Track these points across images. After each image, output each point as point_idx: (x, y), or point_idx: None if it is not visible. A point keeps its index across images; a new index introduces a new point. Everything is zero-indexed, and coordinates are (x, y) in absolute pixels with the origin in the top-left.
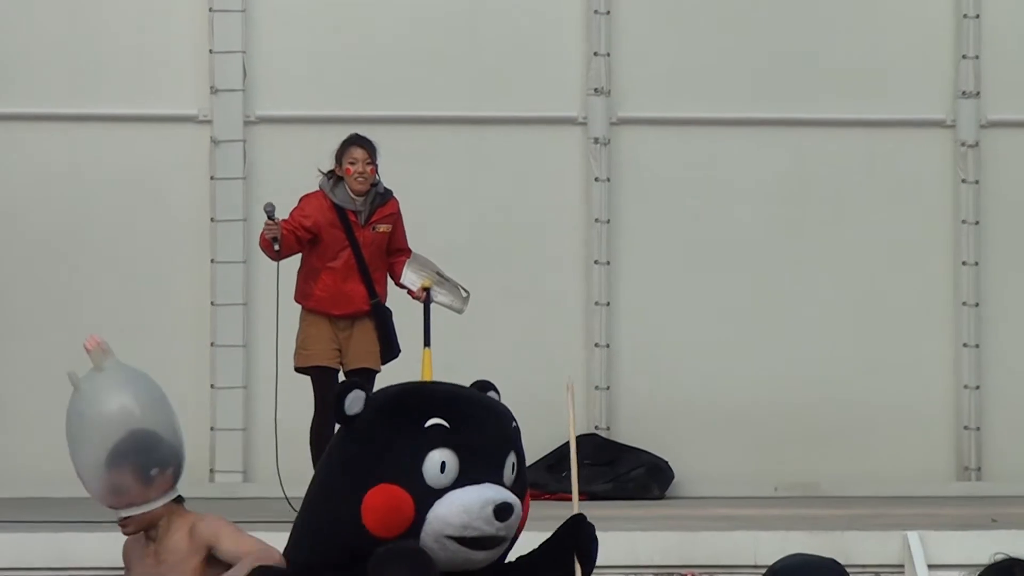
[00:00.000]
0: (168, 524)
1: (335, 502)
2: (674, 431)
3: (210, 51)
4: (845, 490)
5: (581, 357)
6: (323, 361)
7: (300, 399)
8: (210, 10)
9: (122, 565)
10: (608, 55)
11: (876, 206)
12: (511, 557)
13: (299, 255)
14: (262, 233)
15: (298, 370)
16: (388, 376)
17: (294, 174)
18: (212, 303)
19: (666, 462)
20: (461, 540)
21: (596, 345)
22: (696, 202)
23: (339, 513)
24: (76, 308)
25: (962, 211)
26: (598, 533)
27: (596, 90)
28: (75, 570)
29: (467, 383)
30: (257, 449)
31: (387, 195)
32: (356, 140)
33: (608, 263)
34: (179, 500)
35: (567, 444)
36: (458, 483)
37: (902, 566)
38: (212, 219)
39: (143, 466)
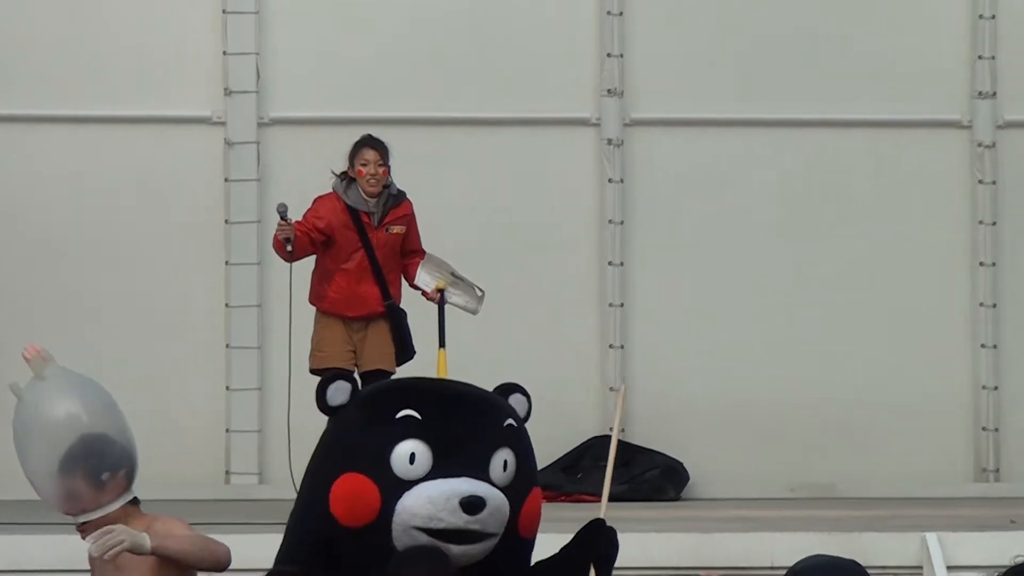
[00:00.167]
0: (126, 525)
1: (311, 491)
2: (689, 432)
3: (224, 53)
4: (861, 491)
5: (595, 358)
6: (338, 363)
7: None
8: (223, 12)
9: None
10: (621, 56)
11: (892, 207)
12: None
13: (313, 257)
14: (275, 234)
15: (313, 372)
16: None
17: (308, 176)
18: (227, 305)
19: (681, 463)
20: (430, 532)
21: (610, 347)
22: (710, 203)
23: (313, 502)
24: (91, 310)
25: (979, 212)
26: None
27: (609, 91)
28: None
29: (483, 384)
30: (272, 451)
31: (400, 196)
32: (368, 141)
33: (622, 264)
34: (135, 502)
35: (582, 445)
36: (431, 476)
37: (920, 567)
38: (226, 221)
39: (94, 470)
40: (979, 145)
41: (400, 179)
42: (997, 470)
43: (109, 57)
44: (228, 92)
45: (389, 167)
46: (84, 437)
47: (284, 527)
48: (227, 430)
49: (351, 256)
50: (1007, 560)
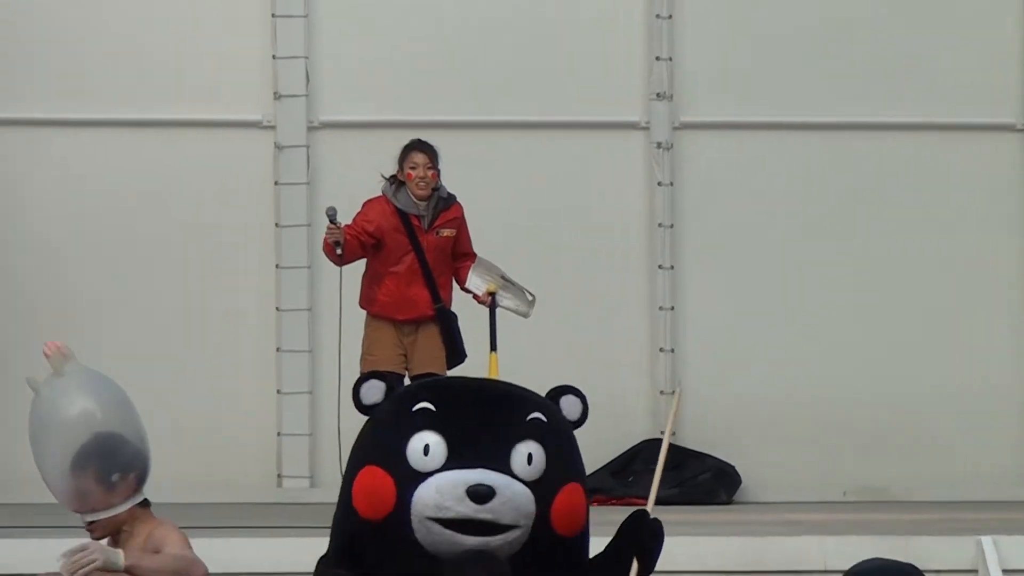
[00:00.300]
0: (132, 529)
1: (343, 489)
2: (740, 436)
3: (273, 57)
4: (915, 495)
5: (645, 362)
6: (389, 366)
7: None
8: (273, 15)
9: None
10: (670, 59)
11: (945, 211)
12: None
13: (363, 260)
14: (325, 238)
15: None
16: None
17: (357, 179)
18: (277, 308)
19: (733, 467)
20: (442, 522)
21: (661, 350)
22: (759, 206)
23: (342, 497)
24: (142, 314)
25: None
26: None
27: (658, 95)
28: None
29: (534, 387)
30: (323, 454)
31: (450, 200)
32: (417, 145)
33: (672, 267)
34: (145, 504)
35: (633, 449)
36: (446, 467)
37: (976, 571)
38: (276, 224)
39: (106, 470)
40: None
41: (449, 183)
42: None
43: (160, 62)
44: (278, 96)
45: (438, 170)
46: (98, 436)
47: None
48: (278, 434)
49: (401, 259)
50: None
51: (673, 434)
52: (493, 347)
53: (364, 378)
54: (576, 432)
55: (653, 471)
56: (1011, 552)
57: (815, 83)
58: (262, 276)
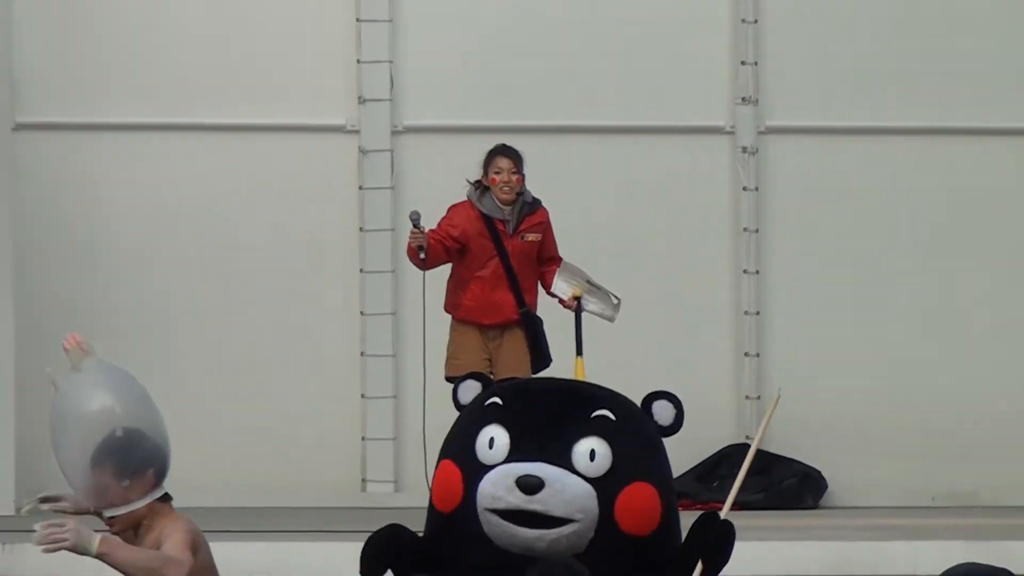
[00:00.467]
0: (151, 523)
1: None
2: (827, 440)
3: (358, 61)
4: (1006, 499)
5: (730, 366)
6: (474, 371)
7: (450, 408)
8: (357, 20)
9: None
10: (756, 64)
11: None
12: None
13: (448, 265)
14: (408, 242)
15: (449, 379)
16: None
17: (441, 183)
18: (361, 313)
19: (819, 471)
20: (498, 513)
21: (746, 355)
22: (845, 210)
23: (429, 493)
24: (227, 318)
25: None
26: (749, 542)
27: (744, 99)
28: None
29: (624, 391)
30: (408, 458)
31: (535, 204)
32: (501, 150)
33: (757, 272)
34: (165, 499)
35: (718, 454)
36: (508, 460)
37: None
38: (361, 229)
39: (124, 466)
40: None
41: (534, 187)
42: None
43: (245, 66)
44: (362, 100)
45: (523, 175)
46: (117, 432)
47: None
48: (362, 438)
49: (486, 264)
50: None
51: (748, 440)
52: (579, 351)
53: (462, 378)
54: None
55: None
56: None
57: (901, 87)
58: (346, 280)
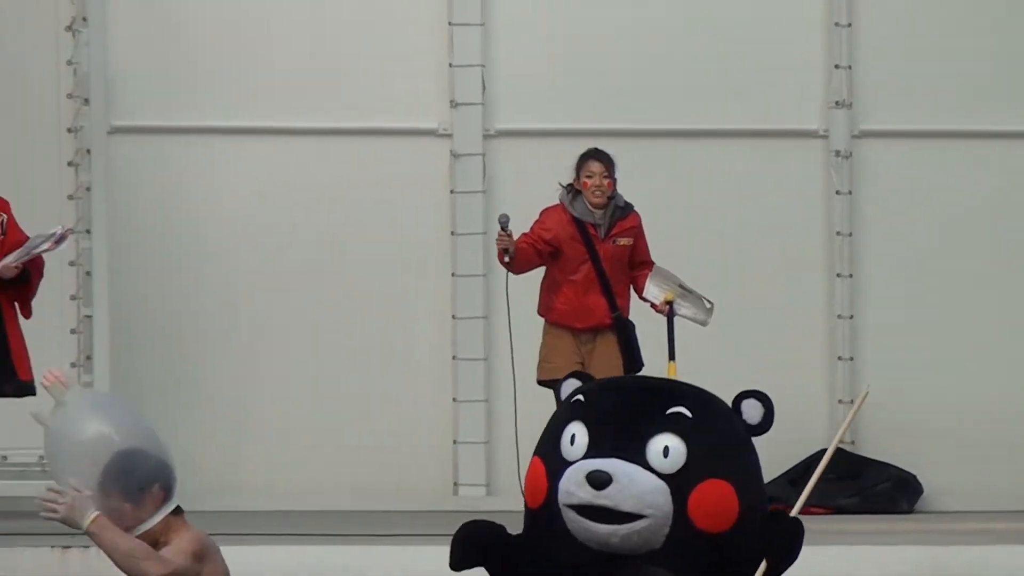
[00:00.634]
0: (165, 539)
1: None
2: (921, 445)
3: (450, 65)
4: None
5: (823, 370)
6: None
7: (542, 412)
8: (450, 24)
9: None
10: (849, 68)
11: None
12: None
13: (541, 268)
14: (496, 244)
15: (541, 383)
16: None
17: (533, 187)
18: (453, 316)
19: (914, 475)
20: (573, 508)
21: (839, 358)
22: (940, 214)
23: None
24: (318, 322)
25: None
26: (843, 546)
27: (837, 103)
28: None
29: (718, 395)
30: (500, 462)
31: (627, 208)
32: (593, 153)
33: (851, 276)
34: (178, 511)
35: (811, 458)
36: (586, 456)
37: None
38: (452, 232)
39: (130, 487)
40: None
41: (626, 191)
42: None
43: (336, 70)
44: (454, 104)
45: (615, 179)
46: (117, 455)
47: None
48: (454, 442)
49: (578, 268)
50: None
51: (852, 442)
52: (671, 356)
53: (565, 377)
54: (753, 439)
55: (830, 480)
56: None
57: (996, 90)
58: (438, 284)
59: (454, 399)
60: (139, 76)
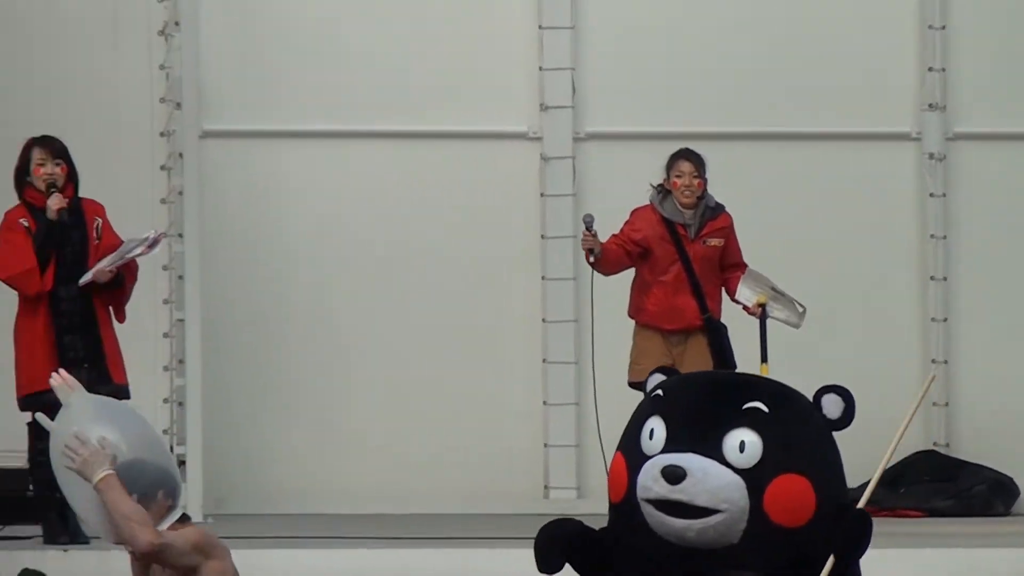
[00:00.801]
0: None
1: None
2: (1017, 447)
3: (540, 68)
4: None
5: (917, 373)
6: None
7: (628, 413)
8: (540, 27)
9: None
10: (943, 70)
11: None
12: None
13: (631, 270)
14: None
15: (631, 385)
16: None
17: (622, 190)
18: (543, 320)
19: (1010, 478)
20: (651, 503)
21: (933, 361)
22: None
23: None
24: (408, 325)
25: None
26: (939, 549)
27: (931, 105)
28: None
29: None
30: (590, 465)
31: (718, 209)
32: (683, 153)
33: (945, 279)
34: (184, 519)
35: (905, 460)
36: (663, 451)
37: None
38: (542, 236)
39: (133, 495)
40: None
41: (717, 193)
42: None
43: (427, 73)
44: (544, 107)
45: (705, 180)
46: (121, 466)
47: None
48: (545, 445)
49: (668, 269)
50: None
51: (946, 445)
52: (764, 358)
53: (652, 372)
54: (845, 443)
55: (925, 482)
56: None
57: None
58: (528, 287)
59: (544, 402)
60: (229, 80)
